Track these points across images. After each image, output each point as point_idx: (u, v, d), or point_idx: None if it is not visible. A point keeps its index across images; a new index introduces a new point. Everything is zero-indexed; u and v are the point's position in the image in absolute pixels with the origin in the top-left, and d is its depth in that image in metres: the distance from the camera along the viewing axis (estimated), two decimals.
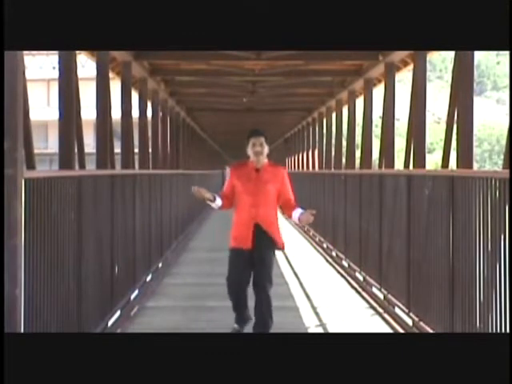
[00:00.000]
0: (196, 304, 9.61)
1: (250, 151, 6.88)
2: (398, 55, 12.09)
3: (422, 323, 7.56)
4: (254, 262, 6.83)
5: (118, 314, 8.40)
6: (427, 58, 10.14)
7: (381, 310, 9.27)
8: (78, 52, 9.38)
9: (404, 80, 68.38)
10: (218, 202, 6.84)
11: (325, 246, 16.18)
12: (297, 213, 6.83)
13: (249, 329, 7.15)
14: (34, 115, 26.48)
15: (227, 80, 17.18)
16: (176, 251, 15.48)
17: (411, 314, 8.03)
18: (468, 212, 6.18)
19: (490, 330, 5.62)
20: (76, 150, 8.22)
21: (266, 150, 6.88)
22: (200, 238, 19.21)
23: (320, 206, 17.55)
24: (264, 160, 6.88)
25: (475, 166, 8.64)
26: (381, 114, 12.69)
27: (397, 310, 8.74)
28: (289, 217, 6.97)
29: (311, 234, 19.21)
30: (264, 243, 6.82)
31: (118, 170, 10.40)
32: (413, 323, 7.94)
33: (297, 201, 7.06)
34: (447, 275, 6.72)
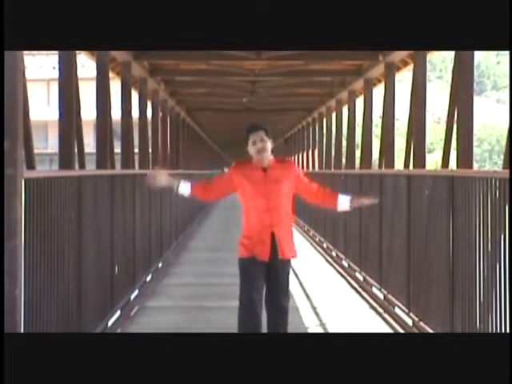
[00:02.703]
0: (195, 304, 9.61)
1: (251, 150, 5.92)
2: (398, 55, 12.09)
3: (422, 323, 7.56)
4: (268, 277, 5.82)
5: (118, 314, 8.40)
6: (427, 58, 10.14)
7: (381, 310, 9.27)
8: (78, 52, 9.38)
9: (404, 80, 68.38)
10: (184, 188, 5.87)
11: (325, 245, 16.18)
12: (345, 199, 5.94)
13: None
14: (34, 115, 26.48)
15: (227, 80, 17.18)
16: (176, 251, 15.48)
17: (411, 314, 8.04)
18: (468, 212, 6.18)
19: (490, 330, 5.62)
20: (76, 150, 8.22)
21: (270, 144, 5.90)
22: (200, 237, 19.21)
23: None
24: (269, 157, 5.88)
25: (475, 166, 8.64)
26: (381, 114, 12.70)
27: (397, 309, 8.74)
28: (332, 206, 6.00)
29: (311, 234, 19.22)
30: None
31: (118, 169, 10.41)
32: (413, 323, 7.94)
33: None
34: (447, 275, 6.72)
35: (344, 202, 5.94)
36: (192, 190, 5.89)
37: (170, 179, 5.87)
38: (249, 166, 5.92)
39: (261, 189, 5.81)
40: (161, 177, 5.83)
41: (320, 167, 22.27)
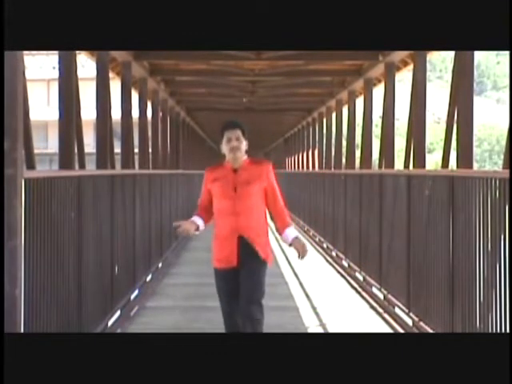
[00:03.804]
0: (196, 304, 9.61)
1: (224, 148, 5.60)
2: (398, 55, 12.10)
3: (421, 323, 7.56)
4: (240, 283, 5.53)
5: (117, 314, 8.40)
6: (427, 58, 10.14)
7: (381, 310, 9.27)
8: (78, 52, 9.38)
9: (404, 80, 68.39)
10: (202, 225, 5.64)
11: (325, 245, 16.18)
12: (290, 234, 5.60)
13: None
14: (34, 115, 26.47)
15: (227, 80, 17.18)
16: (176, 251, 15.48)
17: (411, 314, 8.04)
18: (468, 212, 6.18)
19: (490, 330, 5.62)
20: (76, 150, 8.22)
21: (245, 145, 5.60)
22: (200, 237, 19.18)
23: (320, 205, 17.56)
24: (243, 157, 5.60)
25: (475, 166, 8.64)
26: (381, 114, 12.70)
27: (397, 310, 8.74)
28: (278, 231, 5.68)
29: (311, 233, 19.21)
30: (250, 259, 5.51)
31: (118, 170, 10.41)
32: (413, 323, 7.94)
33: (286, 203, 5.86)
34: (447, 275, 6.72)
35: (286, 239, 5.63)
36: (204, 221, 5.66)
37: (193, 226, 5.58)
38: (220, 168, 5.67)
39: (229, 191, 5.53)
40: (189, 227, 5.56)
41: (320, 167, 22.27)
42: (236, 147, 5.55)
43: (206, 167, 5.84)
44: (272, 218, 5.74)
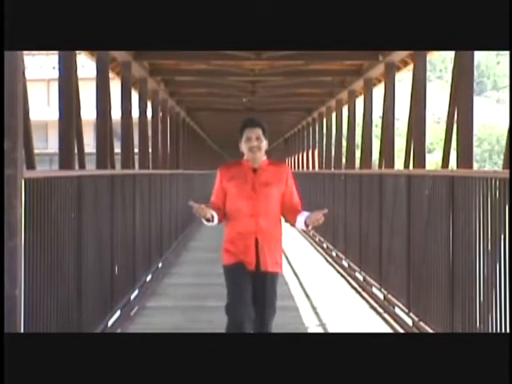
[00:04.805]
0: (196, 304, 9.61)
1: (243, 147, 5.37)
2: (398, 55, 12.09)
3: (421, 323, 7.56)
4: (253, 289, 5.31)
5: (117, 314, 8.40)
6: (427, 58, 10.14)
7: (381, 310, 9.27)
8: (78, 52, 9.38)
9: (404, 80, 68.39)
10: (216, 219, 5.31)
11: (325, 245, 16.18)
12: (302, 216, 5.29)
13: None
14: (34, 115, 26.47)
15: (227, 80, 17.18)
16: (176, 251, 15.47)
17: (411, 314, 8.04)
18: (468, 212, 6.18)
19: (489, 330, 5.62)
20: (76, 150, 8.22)
21: (265, 144, 5.38)
22: (200, 237, 19.21)
23: (320, 206, 17.56)
24: (262, 157, 5.37)
25: (475, 166, 8.64)
26: (381, 114, 12.70)
27: (397, 309, 8.74)
28: (292, 223, 5.41)
29: (311, 233, 19.22)
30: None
31: (118, 170, 10.41)
32: (413, 323, 7.94)
33: (303, 206, 5.53)
34: (447, 275, 6.72)
35: (300, 222, 5.32)
36: (219, 219, 5.37)
37: (210, 212, 5.26)
38: (237, 166, 5.42)
39: (247, 191, 5.31)
40: (205, 212, 5.23)
41: (320, 167, 22.27)
42: (256, 147, 5.33)
43: (220, 165, 5.59)
44: (284, 215, 5.46)
